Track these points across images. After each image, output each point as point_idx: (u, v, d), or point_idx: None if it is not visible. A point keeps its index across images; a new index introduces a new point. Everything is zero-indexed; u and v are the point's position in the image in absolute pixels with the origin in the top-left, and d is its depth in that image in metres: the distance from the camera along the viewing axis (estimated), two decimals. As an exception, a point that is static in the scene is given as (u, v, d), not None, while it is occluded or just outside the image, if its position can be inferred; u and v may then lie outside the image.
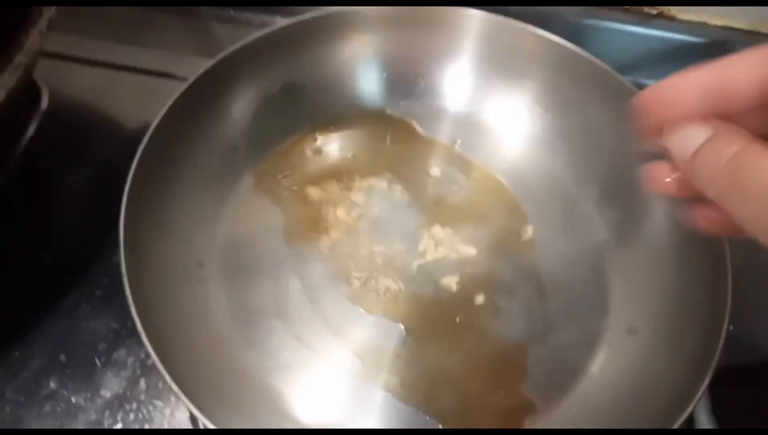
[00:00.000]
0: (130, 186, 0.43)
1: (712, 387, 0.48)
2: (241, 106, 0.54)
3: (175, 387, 0.36)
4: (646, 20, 0.70)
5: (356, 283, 0.49)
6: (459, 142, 0.58)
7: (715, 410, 0.47)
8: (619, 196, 0.52)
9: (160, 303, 0.43)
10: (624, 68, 0.66)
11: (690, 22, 0.69)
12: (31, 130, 0.60)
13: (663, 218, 0.49)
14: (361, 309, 0.48)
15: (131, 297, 0.39)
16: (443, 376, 0.46)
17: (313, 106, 0.56)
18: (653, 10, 0.70)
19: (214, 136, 0.52)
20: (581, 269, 0.51)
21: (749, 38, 0.69)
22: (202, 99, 0.50)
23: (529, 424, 0.44)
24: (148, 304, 0.41)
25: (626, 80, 0.52)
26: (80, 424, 0.46)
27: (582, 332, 0.48)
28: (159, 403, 0.47)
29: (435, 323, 0.48)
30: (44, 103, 0.62)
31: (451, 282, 0.50)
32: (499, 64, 0.57)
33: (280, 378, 0.45)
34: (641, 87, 0.61)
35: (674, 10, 0.70)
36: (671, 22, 0.70)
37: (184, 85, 0.48)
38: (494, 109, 0.58)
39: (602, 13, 0.69)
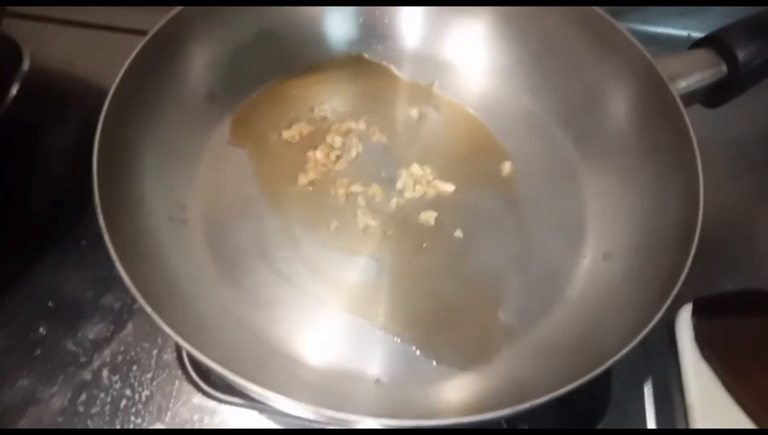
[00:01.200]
0: (100, 132, 0.43)
1: (695, 315, 0.50)
2: (216, 53, 0.54)
3: (157, 319, 0.37)
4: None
5: (335, 222, 0.50)
6: (436, 83, 0.58)
7: (698, 337, 0.48)
8: (592, 121, 0.52)
9: (140, 245, 0.44)
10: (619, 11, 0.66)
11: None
12: (14, 90, 0.61)
13: (634, 142, 0.49)
14: (341, 246, 0.49)
15: (109, 240, 0.39)
16: (423, 307, 0.47)
17: (289, 52, 0.57)
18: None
19: (187, 82, 0.52)
20: (559, 200, 0.52)
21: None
22: (170, 47, 0.50)
23: (507, 347, 0.45)
24: (129, 246, 0.41)
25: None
26: (70, 368, 0.47)
27: (560, 260, 0.49)
28: (146, 345, 0.48)
29: (414, 258, 0.49)
30: (26, 64, 0.63)
31: (430, 217, 0.50)
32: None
33: (263, 313, 0.46)
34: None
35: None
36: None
37: (152, 31, 0.48)
38: (462, 46, 0.59)
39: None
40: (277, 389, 0.35)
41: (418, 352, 0.45)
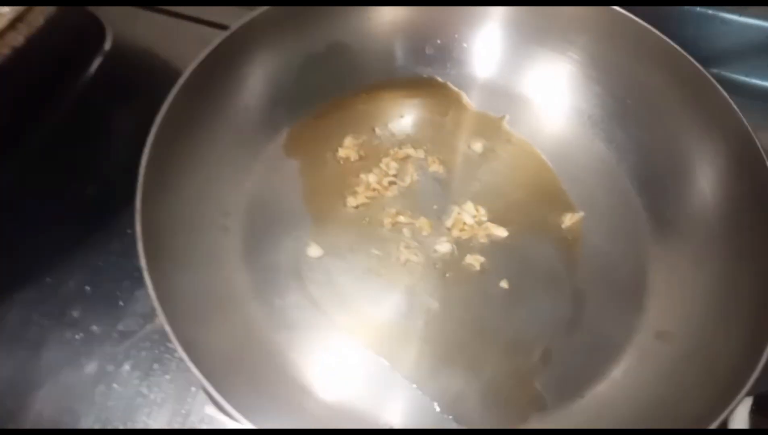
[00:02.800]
0: (157, 129, 0.43)
1: (755, 412, 0.44)
2: (285, 61, 0.53)
3: (169, 331, 0.36)
4: (742, 7, 0.63)
5: (376, 251, 0.48)
6: (507, 117, 0.54)
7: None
8: (671, 187, 0.47)
9: (175, 246, 0.43)
10: (712, 60, 0.61)
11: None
12: (93, 67, 0.63)
13: (716, 217, 0.44)
14: (377, 278, 0.47)
15: (142, 240, 0.39)
16: (453, 359, 0.44)
17: (358, 67, 0.55)
18: (751, -5, 0.63)
19: (254, 86, 0.51)
20: (621, 265, 0.47)
21: None
22: (244, 47, 0.50)
23: (535, 420, 0.41)
24: (163, 245, 0.41)
25: (687, 54, 0.47)
26: (95, 356, 0.47)
27: (610, 333, 0.45)
28: (171, 346, 0.47)
29: (452, 303, 0.46)
30: (108, 44, 0.64)
31: (475, 262, 0.47)
32: (541, 31, 0.54)
33: (285, 335, 0.44)
34: (722, 79, 0.57)
35: (777, -2, 0.62)
36: (770, 10, 0.63)
37: (231, 29, 0.48)
38: (541, 82, 0.55)
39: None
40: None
41: (438, 408, 0.42)
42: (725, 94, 0.44)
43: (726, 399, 0.35)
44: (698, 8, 0.61)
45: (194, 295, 0.42)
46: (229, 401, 0.34)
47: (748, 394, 0.43)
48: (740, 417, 0.43)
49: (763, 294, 0.39)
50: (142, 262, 0.38)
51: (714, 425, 0.34)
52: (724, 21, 0.61)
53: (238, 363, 0.41)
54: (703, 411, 0.36)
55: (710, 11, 0.61)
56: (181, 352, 0.35)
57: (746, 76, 0.64)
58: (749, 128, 0.42)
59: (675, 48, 0.47)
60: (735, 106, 0.43)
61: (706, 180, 0.46)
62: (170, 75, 0.63)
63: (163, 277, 0.39)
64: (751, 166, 0.42)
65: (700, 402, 0.37)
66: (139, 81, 0.64)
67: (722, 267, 0.43)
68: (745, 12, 0.61)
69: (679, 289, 0.45)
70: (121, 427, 0.45)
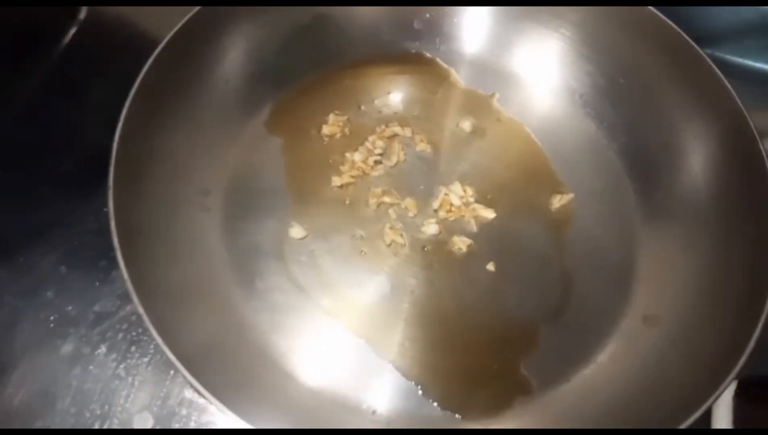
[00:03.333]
0: (131, 102, 0.41)
1: (739, 397, 0.44)
2: (268, 33, 0.51)
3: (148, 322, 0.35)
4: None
5: (360, 232, 0.47)
6: (497, 95, 0.53)
7: (738, 422, 0.43)
8: (662, 168, 0.46)
9: (151, 226, 0.42)
10: (708, 40, 0.59)
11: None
12: (67, 38, 0.60)
13: (706, 200, 0.43)
14: (361, 259, 0.46)
15: (115, 219, 0.38)
16: (437, 343, 0.43)
17: (345, 41, 0.53)
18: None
19: (234, 62, 0.49)
20: (610, 248, 0.47)
21: None
22: (223, 20, 0.48)
23: (520, 404, 0.41)
24: (138, 226, 0.40)
25: (681, 31, 0.46)
26: (71, 337, 0.46)
27: (597, 317, 0.44)
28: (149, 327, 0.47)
29: (437, 286, 0.45)
30: (82, 13, 0.62)
31: (462, 244, 0.46)
32: (533, 7, 0.52)
33: (267, 318, 0.43)
34: (716, 59, 0.56)
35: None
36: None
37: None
38: (532, 59, 0.54)
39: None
40: (258, 414, 0.33)
41: (421, 392, 0.41)
42: (721, 74, 0.43)
43: (712, 385, 0.34)
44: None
45: (171, 277, 0.41)
46: (205, 386, 0.33)
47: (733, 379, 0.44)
48: (724, 401, 0.43)
49: (750, 279, 0.39)
50: (115, 241, 0.37)
51: (700, 411, 0.33)
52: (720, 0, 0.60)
53: (216, 347, 0.40)
54: (690, 396, 0.35)
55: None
56: (155, 335, 0.34)
57: (740, 57, 0.63)
58: (744, 110, 0.41)
59: (671, 26, 0.45)
60: (730, 87, 0.42)
61: (697, 162, 0.45)
62: (147, 45, 0.61)
63: (137, 258, 0.38)
64: (744, 149, 0.41)
65: (687, 387, 0.36)
66: (115, 51, 0.61)
67: (711, 251, 0.42)
68: (741, -9, 0.60)
69: (667, 272, 0.44)
70: (98, 410, 0.44)
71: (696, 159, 0.45)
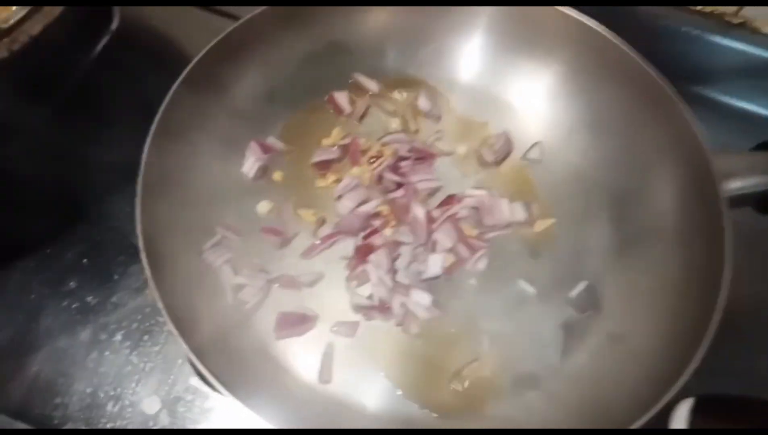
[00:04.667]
0: (166, 105, 0.46)
1: (695, 412, 0.48)
2: (286, 54, 0.56)
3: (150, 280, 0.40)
4: (726, 29, 0.66)
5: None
6: (491, 123, 0.58)
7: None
8: (634, 202, 0.51)
9: (172, 225, 0.46)
10: (694, 78, 0.64)
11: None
12: (99, 47, 0.65)
13: (673, 225, 0.48)
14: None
15: (140, 216, 0.42)
16: (416, 346, 0.48)
17: (353, 67, 0.58)
18: (735, 19, 0.66)
19: (253, 79, 0.54)
20: (583, 270, 0.51)
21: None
22: (247, 42, 0.52)
23: (492, 406, 0.45)
24: (161, 223, 0.45)
25: (659, 74, 0.49)
26: (89, 325, 0.51)
27: (566, 330, 0.49)
28: (161, 319, 0.51)
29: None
30: (114, 23, 0.66)
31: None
32: (529, 43, 0.56)
33: (271, 319, 0.48)
34: (702, 96, 0.60)
35: (758, 22, 0.65)
36: (753, 35, 0.66)
37: (230, 27, 0.51)
38: (525, 91, 0.58)
39: (678, 15, 0.65)
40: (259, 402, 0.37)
41: (399, 392, 0.46)
42: (692, 123, 0.47)
43: (660, 395, 0.39)
44: (683, 28, 0.64)
45: (187, 273, 0.46)
46: (213, 374, 0.37)
47: (690, 395, 0.48)
48: (681, 414, 0.48)
49: (701, 301, 0.43)
50: (139, 228, 0.41)
51: (648, 415, 0.38)
52: (708, 42, 0.64)
53: (222, 341, 0.45)
54: (640, 405, 0.39)
55: (695, 32, 0.64)
56: (170, 326, 0.38)
57: (724, 95, 0.67)
58: (708, 154, 0.45)
59: (649, 71, 0.49)
60: (699, 136, 0.46)
61: (666, 195, 0.49)
62: (174, 58, 0.66)
63: (157, 253, 0.42)
64: (706, 190, 0.45)
65: (639, 397, 0.40)
66: (145, 62, 0.66)
67: (673, 276, 0.46)
68: (728, 34, 0.64)
69: (632, 294, 0.48)
70: (111, 392, 0.48)
71: (665, 193, 0.49)
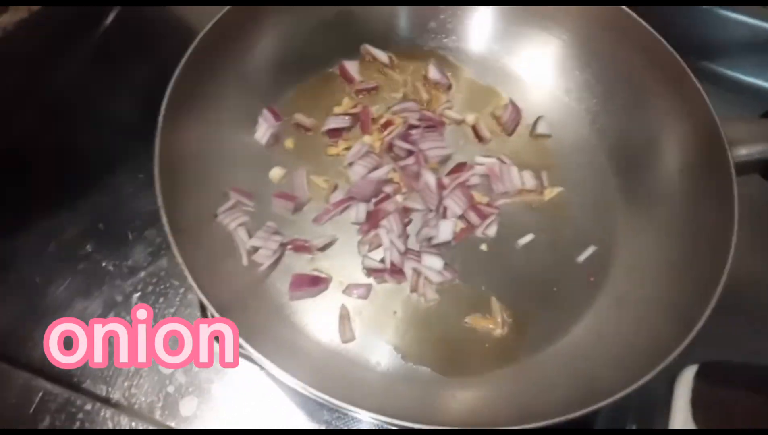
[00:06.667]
0: (175, 80, 0.46)
1: (698, 378, 0.49)
2: (297, 23, 0.56)
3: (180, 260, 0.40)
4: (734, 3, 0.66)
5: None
6: (500, 93, 0.58)
7: (695, 399, 0.48)
8: (643, 168, 0.52)
9: (188, 190, 0.47)
10: (701, 52, 0.64)
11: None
12: (108, 19, 0.66)
13: (680, 190, 0.49)
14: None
15: (159, 181, 0.43)
16: (419, 311, 0.49)
17: (364, 37, 0.58)
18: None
19: (264, 48, 0.55)
20: (592, 236, 0.52)
21: None
22: (257, 11, 0.53)
23: (507, 368, 0.46)
24: (178, 190, 0.45)
25: (668, 45, 0.50)
26: (105, 287, 0.52)
27: (576, 294, 0.49)
28: (176, 282, 0.52)
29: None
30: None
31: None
32: (537, 13, 0.57)
33: (286, 280, 0.49)
34: (708, 70, 0.60)
35: (766, -4, 0.65)
36: (760, 9, 0.66)
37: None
38: (533, 61, 0.59)
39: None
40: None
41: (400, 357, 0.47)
42: (700, 88, 0.47)
43: (663, 356, 0.39)
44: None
45: (205, 237, 0.47)
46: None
47: (694, 361, 0.49)
48: (686, 379, 0.49)
49: (711, 268, 0.43)
50: (158, 188, 0.42)
51: (651, 374, 0.39)
52: (717, 16, 0.65)
53: (241, 301, 0.45)
54: (645, 365, 0.40)
55: (703, 6, 0.65)
56: (195, 288, 0.39)
57: (729, 69, 0.68)
58: (717, 121, 0.46)
59: (661, 42, 0.50)
60: (708, 100, 0.47)
61: (674, 160, 0.50)
62: (183, 30, 0.67)
63: (176, 218, 0.43)
64: (715, 154, 0.46)
65: (647, 355, 0.41)
66: (154, 33, 0.67)
67: (681, 241, 0.47)
68: (738, 9, 0.65)
69: (640, 259, 0.49)
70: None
71: (673, 158, 0.50)
